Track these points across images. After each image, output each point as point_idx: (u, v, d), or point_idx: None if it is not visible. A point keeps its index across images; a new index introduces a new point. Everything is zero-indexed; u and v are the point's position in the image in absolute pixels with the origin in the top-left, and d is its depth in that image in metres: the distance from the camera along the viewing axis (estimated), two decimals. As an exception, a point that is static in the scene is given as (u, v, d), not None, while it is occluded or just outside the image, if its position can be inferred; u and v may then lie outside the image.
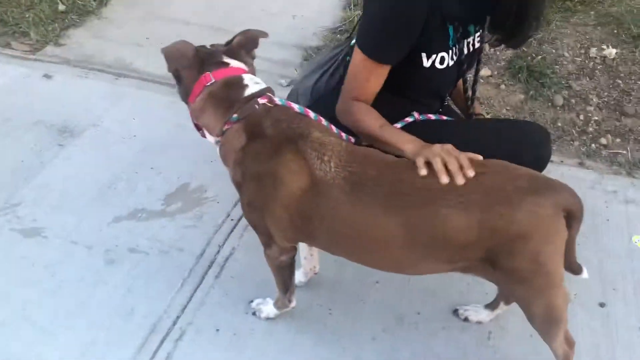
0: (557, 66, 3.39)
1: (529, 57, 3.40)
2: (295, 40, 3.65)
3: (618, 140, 3.01)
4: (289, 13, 3.94)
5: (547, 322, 1.61)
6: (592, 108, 3.16)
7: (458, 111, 2.22)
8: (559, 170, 2.71)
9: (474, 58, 1.95)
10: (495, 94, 3.25)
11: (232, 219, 2.43)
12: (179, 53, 1.67)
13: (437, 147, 1.54)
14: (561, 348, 1.66)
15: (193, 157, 2.70)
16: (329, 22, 3.84)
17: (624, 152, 2.93)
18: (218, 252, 2.30)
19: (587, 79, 3.33)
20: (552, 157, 2.28)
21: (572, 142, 2.98)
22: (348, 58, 1.94)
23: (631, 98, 3.21)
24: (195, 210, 2.48)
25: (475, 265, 1.51)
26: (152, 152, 2.75)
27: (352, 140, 1.73)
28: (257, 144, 1.58)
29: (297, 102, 1.80)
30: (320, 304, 2.13)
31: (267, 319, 2.05)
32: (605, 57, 3.43)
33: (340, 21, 3.83)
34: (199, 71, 1.66)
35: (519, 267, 1.46)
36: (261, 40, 1.81)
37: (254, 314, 2.07)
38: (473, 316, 2.04)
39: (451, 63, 1.85)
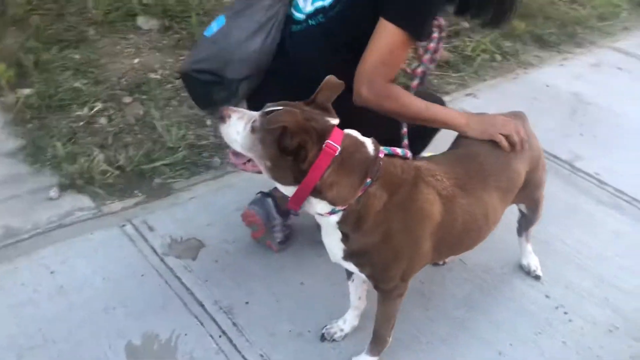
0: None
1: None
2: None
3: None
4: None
5: (541, 204, 2.23)
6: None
7: None
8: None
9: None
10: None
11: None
12: (300, 124, 1.46)
13: (498, 121, 1.92)
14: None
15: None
16: None
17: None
18: None
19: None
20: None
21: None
22: (312, 22, 1.99)
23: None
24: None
25: (517, 195, 1.99)
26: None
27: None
28: (399, 195, 1.61)
29: (223, 70, 1.95)
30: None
31: None
32: None
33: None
34: (320, 140, 1.50)
35: (539, 176, 2.10)
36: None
37: None
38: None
39: None
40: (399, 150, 1.71)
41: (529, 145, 2.00)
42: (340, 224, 1.60)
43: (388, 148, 1.68)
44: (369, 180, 1.55)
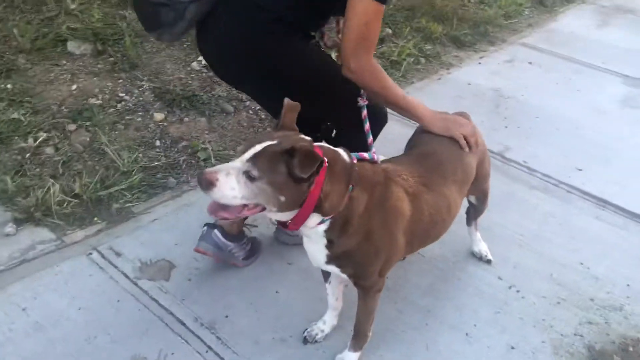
0: None
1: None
2: None
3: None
4: None
5: (488, 194, 2.49)
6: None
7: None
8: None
9: None
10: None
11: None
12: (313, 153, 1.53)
13: (458, 121, 2.14)
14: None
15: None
16: None
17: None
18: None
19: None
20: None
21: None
22: None
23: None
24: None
25: (470, 187, 2.20)
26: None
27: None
28: (376, 196, 1.75)
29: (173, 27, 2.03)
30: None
31: None
32: None
33: None
34: None
35: (486, 168, 2.33)
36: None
37: None
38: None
39: None
40: (366, 155, 1.86)
41: (481, 150, 2.23)
42: (328, 231, 1.71)
43: (356, 153, 1.83)
44: (351, 186, 1.68)
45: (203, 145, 3.23)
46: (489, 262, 2.63)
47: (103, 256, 2.48)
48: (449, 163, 2.06)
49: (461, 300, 2.44)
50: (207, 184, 1.52)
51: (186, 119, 3.41)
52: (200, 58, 3.88)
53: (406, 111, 2.11)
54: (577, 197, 3.19)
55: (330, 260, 1.81)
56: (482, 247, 2.64)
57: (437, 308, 2.38)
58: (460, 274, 2.57)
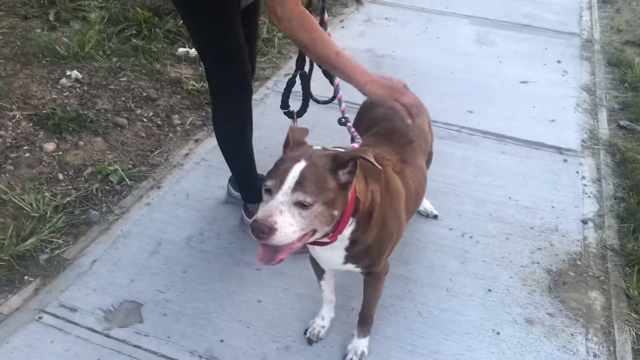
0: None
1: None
2: None
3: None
4: None
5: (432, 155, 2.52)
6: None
7: None
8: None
9: None
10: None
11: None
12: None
13: (400, 89, 1.89)
14: None
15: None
16: None
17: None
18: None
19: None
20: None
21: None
22: None
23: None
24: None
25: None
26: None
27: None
28: (383, 184, 1.76)
29: None
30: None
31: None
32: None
33: None
34: None
35: (432, 131, 2.42)
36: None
37: None
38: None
39: None
40: (355, 145, 1.84)
41: (421, 105, 2.29)
42: (354, 232, 1.68)
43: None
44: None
45: (110, 168, 2.95)
46: (435, 217, 2.77)
47: (56, 316, 2.20)
48: (414, 136, 2.11)
49: (429, 259, 2.55)
50: (269, 231, 1.39)
51: (81, 143, 3.07)
52: (69, 73, 3.51)
53: (338, 70, 1.89)
54: (480, 138, 3.46)
55: (347, 260, 1.78)
56: (427, 205, 2.77)
57: (411, 273, 2.47)
58: (418, 235, 2.68)
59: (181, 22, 4.20)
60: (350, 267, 1.83)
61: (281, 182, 1.44)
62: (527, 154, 3.32)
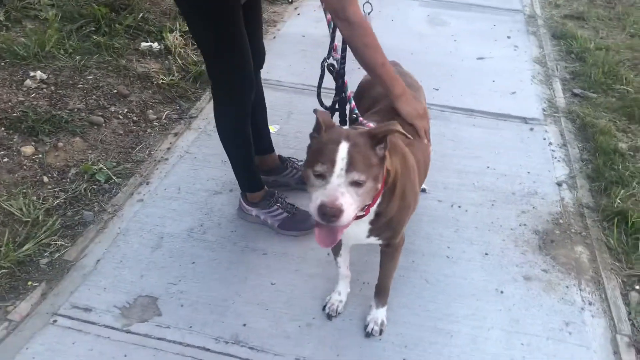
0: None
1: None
2: None
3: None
4: None
5: None
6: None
7: None
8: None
9: None
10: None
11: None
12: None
13: (421, 109, 2.12)
14: None
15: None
16: None
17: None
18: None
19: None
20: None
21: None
22: None
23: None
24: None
25: None
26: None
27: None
28: (400, 157, 1.83)
29: None
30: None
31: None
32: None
33: None
34: None
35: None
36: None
37: (380, 332, 2.17)
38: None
39: None
40: (371, 124, 1.92)
41: (412, 80, 2.40)
42: (380, 204, 1.76)
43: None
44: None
45: (95, 167, 2.90)
46: (424, 190, 2.89)
47: (71, 318, 2.17)
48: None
49: (424, 230, 2.67)
50: (338, 213, 1.46)
51: (60, 144, 3.00)
52: (32, 74, 3.40)
53: (380, 78, 2.05)
54: (450, 113, 3.61)
55: (371, 233, 1.86)
56: (415, 180, 2.88)
57: (412, 245, 2.57)
58: (411, 209, 2.79)
59: (140, 16, 4.13)
60: (373, 239, 1.91)
61: (332, 165, 1.50)
62: (496, 125, 3.50)
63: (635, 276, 2.48)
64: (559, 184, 3.00)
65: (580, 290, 2.40)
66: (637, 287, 2.44)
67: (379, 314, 2.19)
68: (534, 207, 2.84)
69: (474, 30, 4.79)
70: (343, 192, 1.49)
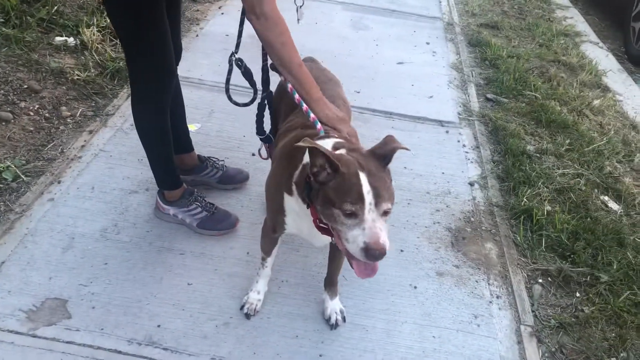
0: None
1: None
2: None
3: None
4: None
5: None
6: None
7: None
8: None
9: None
10: None
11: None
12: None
13: (345, 122, 2.07)
14: None
15: None
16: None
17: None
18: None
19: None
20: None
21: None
22: None
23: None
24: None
25: None
26: None
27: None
28: None
29: None
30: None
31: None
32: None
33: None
34: None
35: None
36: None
37: (344, 320, 2.25)
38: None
39: None
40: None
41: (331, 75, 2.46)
42: None
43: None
44: None
45: (2, 165, 2.75)
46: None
47: (-28, 324, 2.05)
48: (346, 108, 2.27)
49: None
50: (384, 251, 1.50)
51: None
52: None
53: (297, 80, 1.98)
54: (370, 115, 3.69)
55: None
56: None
57: (332, 242, 2.61)
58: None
59: (55, 9, 3.97)
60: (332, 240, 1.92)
61: (362, 201, 1.50)
62: (414, 128, 3.60)
63: (538, 270, 2.63)
64: (471, 184, 3.13)
65: (489, 284, 2.52)
66: (540, 280, 2.59)
67: (336, 305, 2.25)
68: (447, 206, 2.95)
69: (395, 36, 4.92)
70: (381, 228, 1.50)
